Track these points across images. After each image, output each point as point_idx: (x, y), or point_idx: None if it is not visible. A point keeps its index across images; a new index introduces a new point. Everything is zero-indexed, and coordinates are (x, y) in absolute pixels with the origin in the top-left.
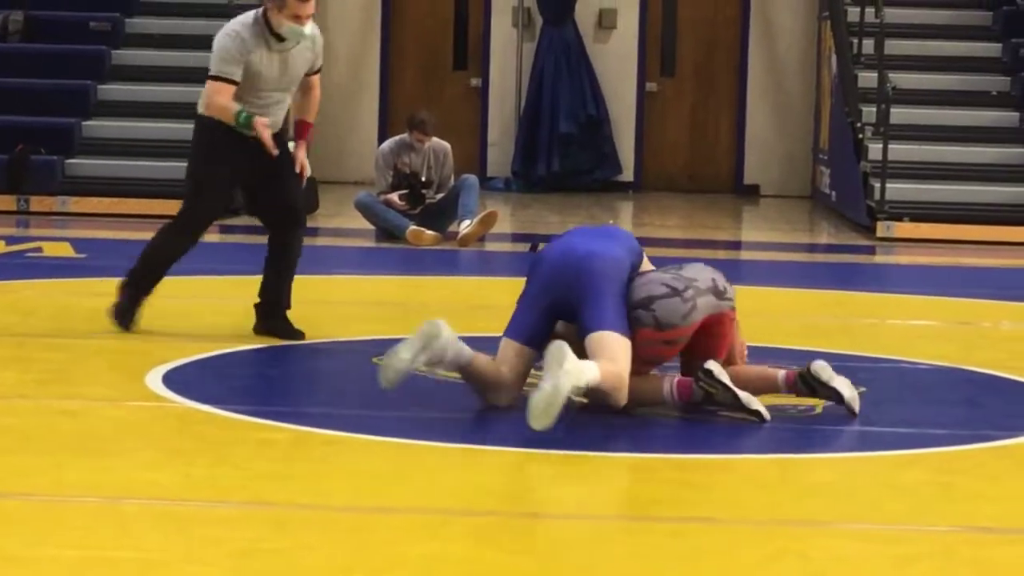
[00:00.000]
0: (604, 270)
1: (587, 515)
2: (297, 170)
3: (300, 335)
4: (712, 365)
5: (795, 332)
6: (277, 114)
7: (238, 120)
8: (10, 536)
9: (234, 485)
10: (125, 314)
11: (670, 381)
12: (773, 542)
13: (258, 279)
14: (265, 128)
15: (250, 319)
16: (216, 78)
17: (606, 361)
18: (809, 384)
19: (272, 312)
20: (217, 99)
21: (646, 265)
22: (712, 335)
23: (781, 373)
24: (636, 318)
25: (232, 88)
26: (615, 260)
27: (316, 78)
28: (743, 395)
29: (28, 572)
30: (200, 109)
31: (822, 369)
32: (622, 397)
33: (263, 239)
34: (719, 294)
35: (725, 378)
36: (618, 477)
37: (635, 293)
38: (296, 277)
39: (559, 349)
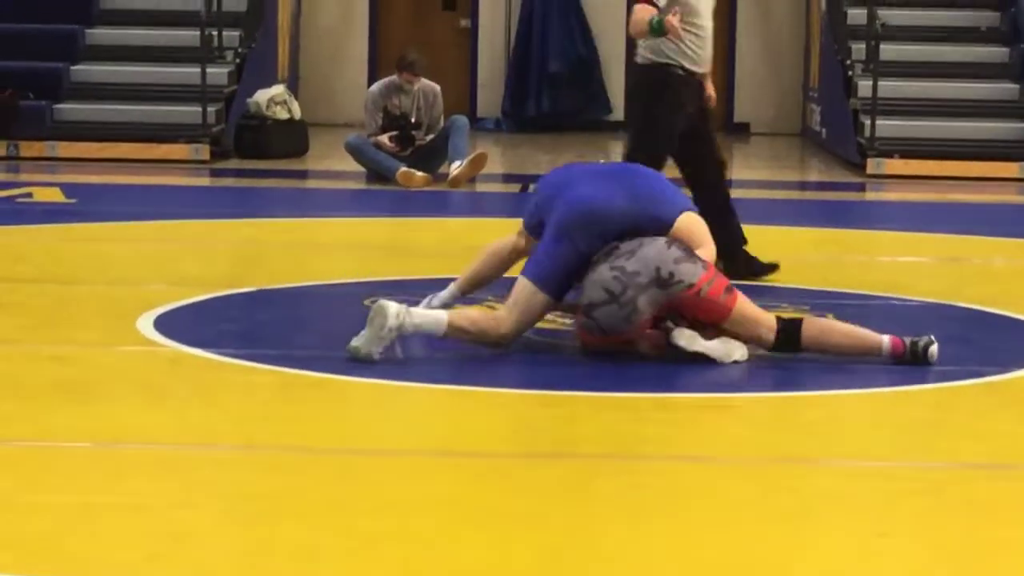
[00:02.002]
0: (562, 218)
1: (576, 454)
2: (706, 104)
3: (774, 268)
4: (677, 337)
5: (786, 270)
6: (709, 47)
7: (651, 25)
8: (2, 482)
9: (225, 429)
10: None
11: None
12: (763, 480)
13: (246, 222)
14: (677, 24)
15: (239, 262)
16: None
17: (481, 314)
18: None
19: (736, 254)
20: (637, 15)
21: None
22: (690, 312)
23: (886, 340)
24: (585, 325)
25: (652, 9)
26: (591, 212)
27: None
28: (716, 352)
29: (18, 518)
30: (642, 60)
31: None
32: (489, 343)
33: (252, 183)
34: (664, 284)
35: (695, 345)
36: (606, 416)
37: (584, 294)
38: (286, 220)
39: (379, 312)
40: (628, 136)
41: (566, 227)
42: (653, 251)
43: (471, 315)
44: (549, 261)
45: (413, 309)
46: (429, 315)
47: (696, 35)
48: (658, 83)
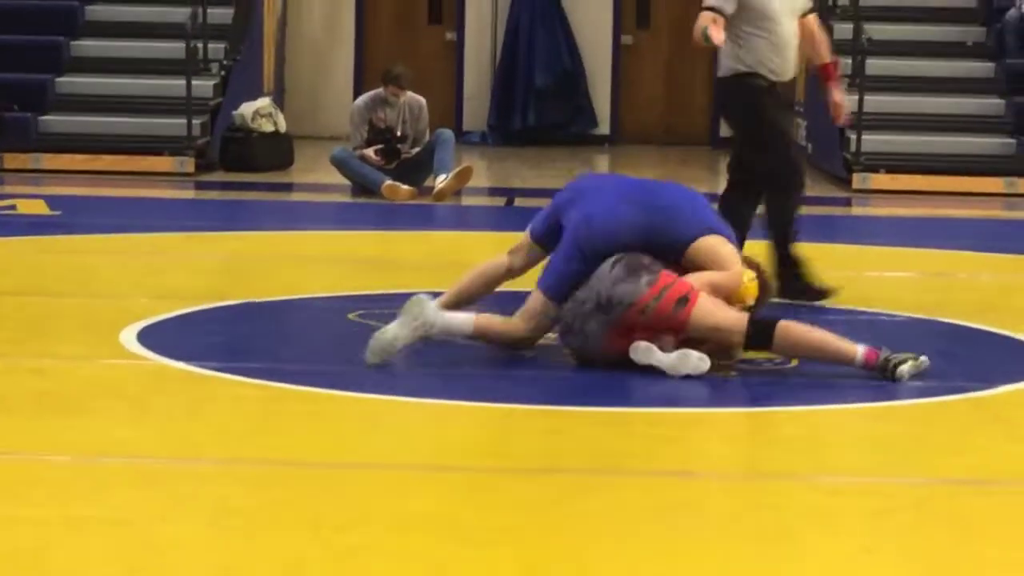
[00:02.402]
0: (574, 232)
1: (560, 469)
2: (833, 112)
3: (829, 293)
4: (632, 350)
5: None
6: (788, 52)
7: (703, 35)
8: None
9: (208, 442)
10: (801, 292)
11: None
12: (745, 495)
13: (231, 235)
14: (719, 31)
15: (224, 275)
16: (709, 8)
17: (501, 320)
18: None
19: (789, 274)
20: (698, 22)
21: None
22: (648, 328)
23: (860, 350)
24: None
25: (715, 17)
26: (599, 229)
27: (813, 18)
28: (665, 365)
29: (2, 531)
30: (722, 72)
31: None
32: (509, 345)
33: (237, 195)
34: (605, 308)
35: (649, 358)
36: (591, 431)
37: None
38: (271, 233)
39: (416, 303)
40: (749, 157)
41: (577, 241)
42: (596, 275)
43: (494, 320)
44: (562, 275)
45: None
46: (458, 316)
47: (767, 40)
48: (743, 94)
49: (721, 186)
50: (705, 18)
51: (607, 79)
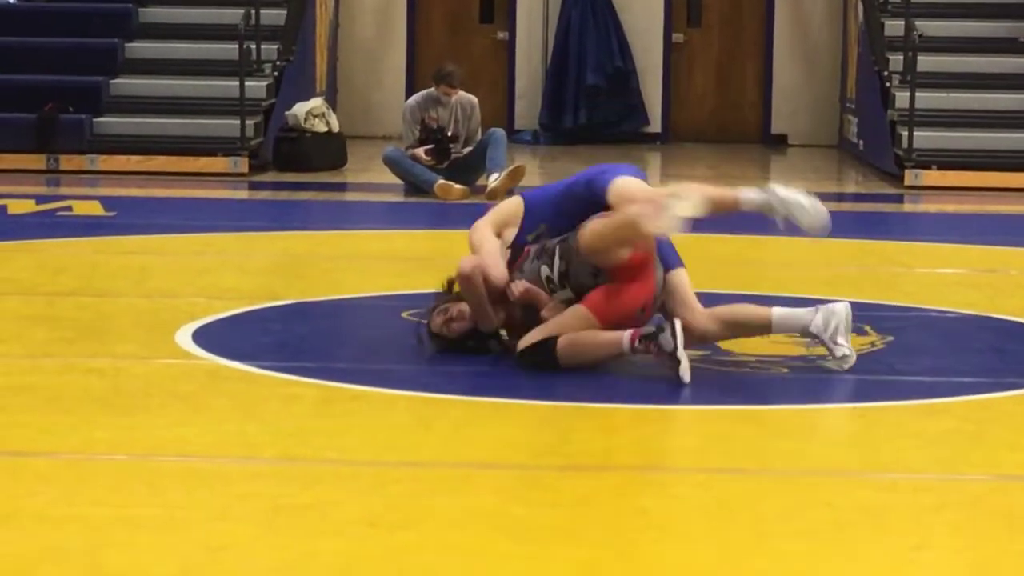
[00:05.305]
0: None
1: (613, 467)
2: None
3: None
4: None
5: (823, 281)
6: None
7: None
8: (40, 495)
9: (262, 441)
10: None
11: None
12: (799, 492)
13: (285, 235)
14: None
15: (278, 275)
16: None
17: None
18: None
19: None
20: None
21: None
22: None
23: (627, 335)
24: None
25: None
26: None
27: None
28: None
29: (57, 530)
30: None
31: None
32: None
33: (290, 195)
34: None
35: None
36: (644, 429)
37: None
38: (325, 232)
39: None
40: None
41: None
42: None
43: None
44: None
45: None
46: None
47: None
48: None
49: (772, 182)
50: None
51: (658, 77)
